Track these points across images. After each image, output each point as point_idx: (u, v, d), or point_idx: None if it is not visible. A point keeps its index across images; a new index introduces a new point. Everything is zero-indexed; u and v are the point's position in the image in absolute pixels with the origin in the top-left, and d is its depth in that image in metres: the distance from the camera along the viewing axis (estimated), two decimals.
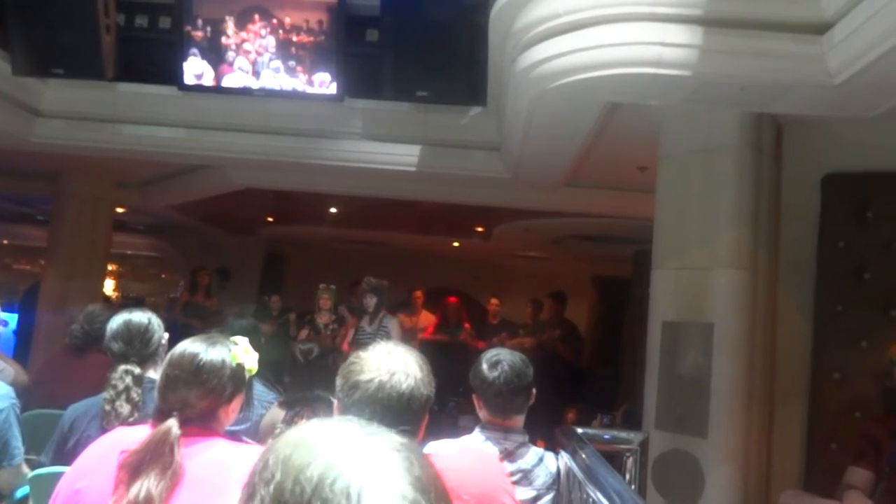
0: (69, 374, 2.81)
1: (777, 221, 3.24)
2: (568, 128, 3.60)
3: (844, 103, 2.77)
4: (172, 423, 1.48)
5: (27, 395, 2.88)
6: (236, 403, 1.64)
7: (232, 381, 1.60)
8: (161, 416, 1.52)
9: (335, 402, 1.40)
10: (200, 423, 1.54)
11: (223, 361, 1.60)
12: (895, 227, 3.11)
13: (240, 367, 1.64)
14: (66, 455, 2.02)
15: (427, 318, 7.33)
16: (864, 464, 2.69)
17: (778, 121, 3.25)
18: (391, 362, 1.37)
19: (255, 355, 1.70)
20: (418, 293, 7.37)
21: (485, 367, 2.14)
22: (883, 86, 2.57)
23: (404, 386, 1.34)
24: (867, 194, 3.16)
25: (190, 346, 1.60)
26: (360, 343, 5.40)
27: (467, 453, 1.78)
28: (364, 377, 1.35)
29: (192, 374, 1.55)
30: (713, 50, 2.62)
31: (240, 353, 1.65)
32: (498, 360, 2.15)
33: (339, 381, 1.39)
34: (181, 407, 1.52)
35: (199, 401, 1.55)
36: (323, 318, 6.34)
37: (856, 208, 3.18)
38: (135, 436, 1.50)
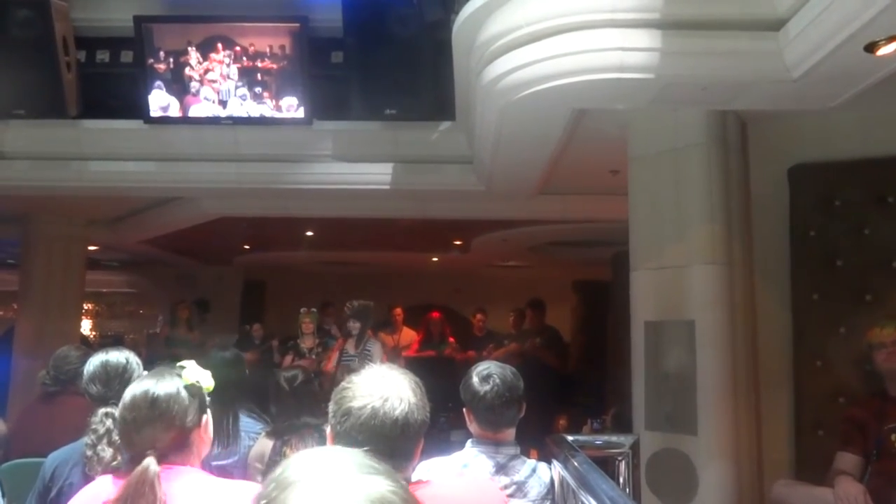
0: (45, 422, 2.73)
1: (748, 215, 3.29)
2: (537, 136, 3.63)
3: (804, 96, 2.83)
4: (150, 461, 1.44)
5: (6, 446, 2.81)
6: (206, 425, 1.61)
7: (194, 404, 1.57)
8: (133, 461, 1.48)
9: (328, 429, 1.37)
10: (175, 456, 1.51)
11: (177, 389, 1.56)
12: (862, 213, 3.18)
13: (196, 388, 1.60)
14: None
15: (409, 335, 7.31)
16: (852, 448, 2.73)
17: (742, 116, 3.30)
18: (384, 387, 1.33)
19: (208, 373, 1.66)
20: (397, 310, 7.35)
21: (475, 381, 2.13)
22: (840, 77, 2.63)
23: (398, 412, 1.30)
24: (833, 183, 3.22)
25: (137, 386, 1.57)
26: (342, 366, 5.36)
27: (464, 481, 1.76)
28: (356, 403, 1.31)
29: (149, 410, 1.52)
30: (673, 52, 2.66)
31: (190, 375, 1.61)
32: (489, 374, 2.14)
33: (331, 408, 1.35)
34: (151, 446, 1.49)
35: (166, 434, 1.51)
36: (307, 343, 6.29)
37: (823, 197, 3.24)
38: (117, 484, 1.47)
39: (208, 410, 1.63)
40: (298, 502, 0.63)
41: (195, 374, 1.62)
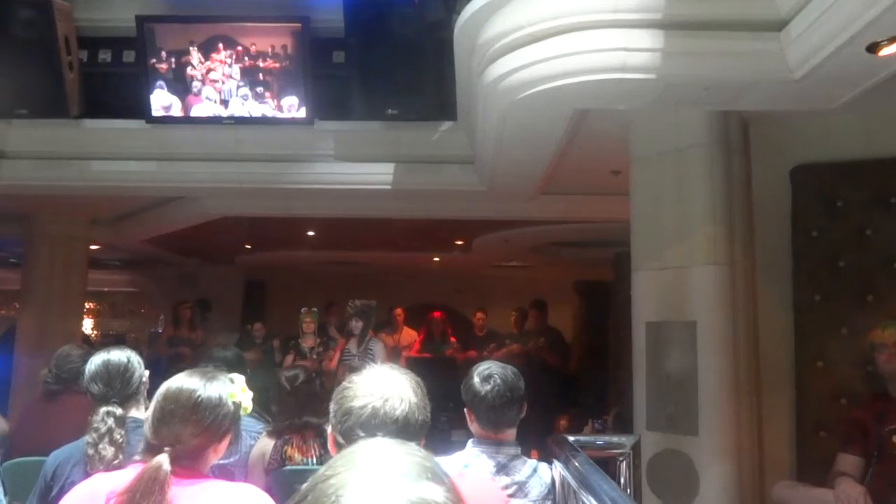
0: (46, 420, 2.74)
1: (750, 216, 3.28)
2: (539, 137, 3.63)
3: (806, 97, 2.83)
4: (164, 459, 1.44)
5: (7, 445, 2.81)
6: (225, 442, 1.61)
7: (227, 420, 1.57)
8: (151, 451, 1.48)
9: (328, 428, 1.37)
10: (189, 461, 1.50)
11: (220, 398, 1.56)
12: (864, 214, 3.17)
13: (236, 406, 1.60)
14: (49, 503, 1.97)
15: (409, 335, 7.31)
16: (853, 450, 2.72)
17: (744, 117, 3.30)
18: (385, 387, 1.34)
19: (250, 394, 1.67)
20: (398, 311, 7.36)
21: (476, 380, 2.13)
22: (842, 78, 2.63)
23: (398, 412, 1.31)
24: (835, 184, 3.22)
25: (187, 380, 1.56)
26: (345, 365, 5.37)
27: (465, 481, 1.76)
28: (357, 403, 1.31)
29: (189, 410, 1.51)
30: (675, 52, 2.66)
31: (237, 391, 1.61)
32: (490, 374, 2.14)
33: (332, 407, 1.36)
34: (173, 443, 1.48)
35: (192, 438, 1.51)
36: (308, 342, 6.29)
37: (825, 198, 3.23)
38: (113, 482, 1.46)
39: (233, 431, 1.62)
40: (358, 484, 0.66)
41: (240, 393, 1.62)
